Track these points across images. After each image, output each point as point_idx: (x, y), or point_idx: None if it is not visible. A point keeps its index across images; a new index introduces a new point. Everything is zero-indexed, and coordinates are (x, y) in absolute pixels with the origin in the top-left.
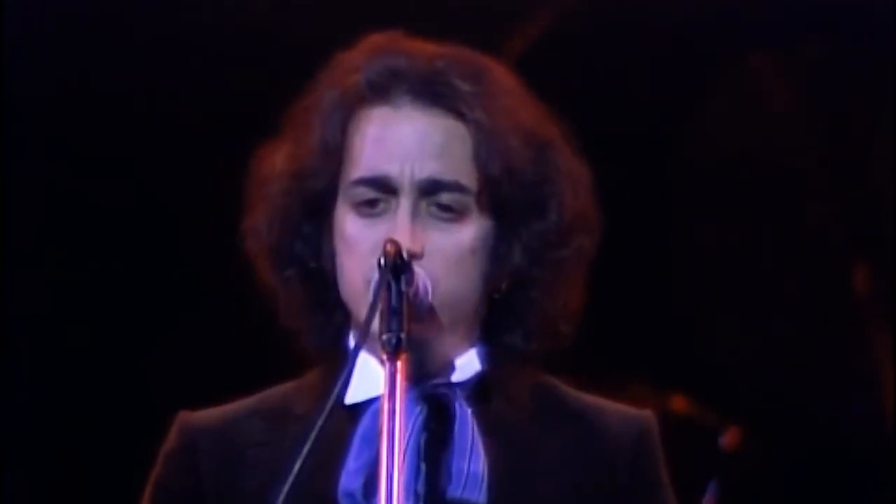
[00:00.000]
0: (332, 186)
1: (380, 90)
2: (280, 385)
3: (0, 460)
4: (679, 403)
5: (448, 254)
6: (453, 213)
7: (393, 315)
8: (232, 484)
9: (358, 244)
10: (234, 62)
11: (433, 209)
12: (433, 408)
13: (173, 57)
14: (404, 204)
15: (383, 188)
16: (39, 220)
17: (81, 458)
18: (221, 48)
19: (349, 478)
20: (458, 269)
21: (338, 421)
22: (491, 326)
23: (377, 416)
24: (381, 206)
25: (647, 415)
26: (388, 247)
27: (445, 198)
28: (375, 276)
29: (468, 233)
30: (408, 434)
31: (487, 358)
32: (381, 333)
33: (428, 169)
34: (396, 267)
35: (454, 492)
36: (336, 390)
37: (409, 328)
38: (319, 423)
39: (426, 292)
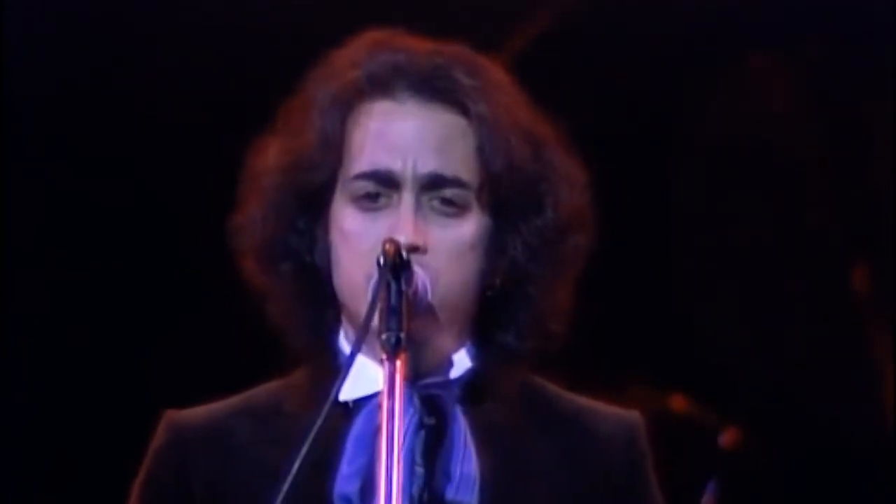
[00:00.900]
0: (330, 180)
1: (381, 84)
2: (267, 384)
3: (0, 460)
4: (679, 403)
5: (449, 249)
6: (455, 208)
7: (392, 314)
8: (220, 482)
9: (358, 239)
10: (235, 62)
11: (435, 204)
12: (426, 409)
13: (173, 57)
14: (406, 198)
15: (385, 182)
16: (39, 220)
17: (81, 457)
18: (221, 48)
19: (344, 482)
20: (458, 265)
21: (330, 419)
22: (483, 324)
23: (371, 417)
24: (383, 200)
25: (635, 415)
26: (388, 246)
27: (447, 193)
28: (375, 274)
29: (468, 228)
30: (402, 436)
31: (478, 356)
32: (380, 332)
33: (430, 164)
34: (396, 266)
35: (448, 494)
36: (335, 392)
37: (408, 327)
38: (316, 427)
39: (425, 291)
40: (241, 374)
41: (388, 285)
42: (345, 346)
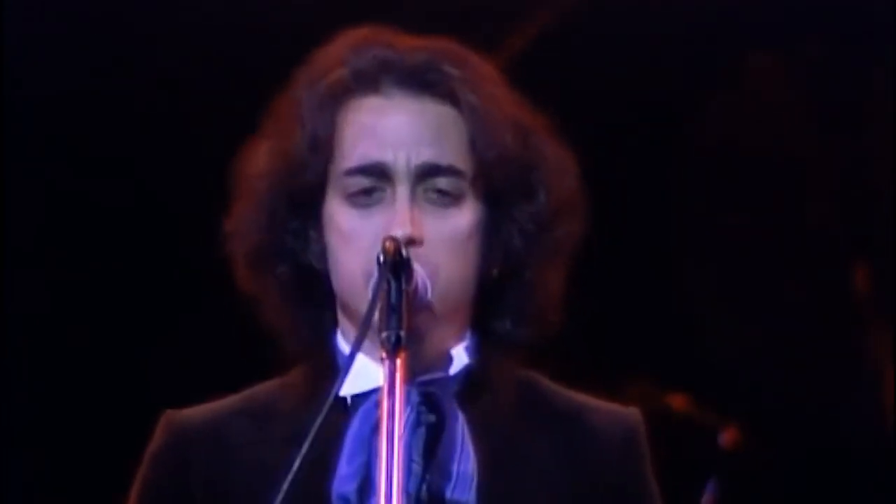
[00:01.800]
0: (321, 180)
1: (368, 80)
2: (264, 383)
3: (0, 460)
4: (679, 402)
5: (446, 239)
6: (450, 198)
7: (392, 313)
8: (219, 482)
9: (356, 237)
10: (234, 62)
11: (430, 195)
12: (424, 406)
13: (173, 57)
14: (401, 191)
15: (378, 176)
16: (39, 220)
17: (81, 457)
18: (222, 48)
19: (342, 481)
20: (456, 255)
21: (328, 415)
22: (480, 315)
23: (369, 415)
24: (377, 195)
25: (633, 412)
26: (388, 244)
27: (442, 182)
28: (375, 273)
29: (465, 218)
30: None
31: (476, 349)
32: (380, 331)
33: (424, 155)
34: (396, 264)
35: (445, 491)
36: (334, 392)
37: (408, 327)
38: (317, 425)
39: (425, 289)
40: (241, 374)
41: (388, 284)
42: (343, 344)
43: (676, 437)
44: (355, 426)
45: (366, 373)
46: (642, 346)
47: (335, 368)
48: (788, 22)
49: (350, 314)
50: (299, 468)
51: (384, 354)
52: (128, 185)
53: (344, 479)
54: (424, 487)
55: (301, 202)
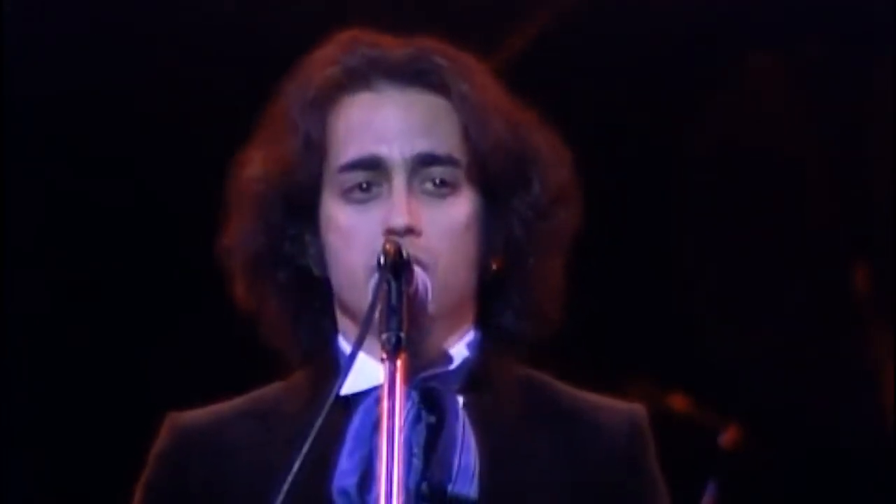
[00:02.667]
0: (316, 181)
1: (359, 77)
2: (268, 386)
3: (0, 460)
4: (679, 403)
5: (445, 230)
6: (447, 188)
7: (392, 314)
8: (223, 484)
9: (354, 233)
10: (234, 62)
11: (427, 186)
12: (425, 401)
13: (173, 57)
14: (398, 182)
15: (374, 169)
16: (39, 220)
17: (81, 458)
18: (222, 48)
19: (343, 476)
20: (455, 245)
21: (330, 414)
22: (482, 310)
23: (369, 412)
24: (374, 189)
25: (638, 408)
26: (388, 246)
27: (438, 171)
28: (375, 275)
29: (462, 207)
30: (401, 430)
31: (478, 345)
32: (380, 332)
33: (418, 145)
34: (396, 266)
35: (446, 485)
36: (333, 393)
37: (408, 328)
38: (317, 425)
39: (426, 291)
40: (242, 374)
41: (388, 285)
42: (344, 346)
43: (676, 437)
44: (356, 422)
45: (367, 371)
46: (642, 346)
47: (337, 370)
48: (788, 22)
49: (350, 314)
50: (301, 466)
51: (384, 356)
52: (128, 185)
53: (344, 473)
54: (425, 482)
55: (297, 206)
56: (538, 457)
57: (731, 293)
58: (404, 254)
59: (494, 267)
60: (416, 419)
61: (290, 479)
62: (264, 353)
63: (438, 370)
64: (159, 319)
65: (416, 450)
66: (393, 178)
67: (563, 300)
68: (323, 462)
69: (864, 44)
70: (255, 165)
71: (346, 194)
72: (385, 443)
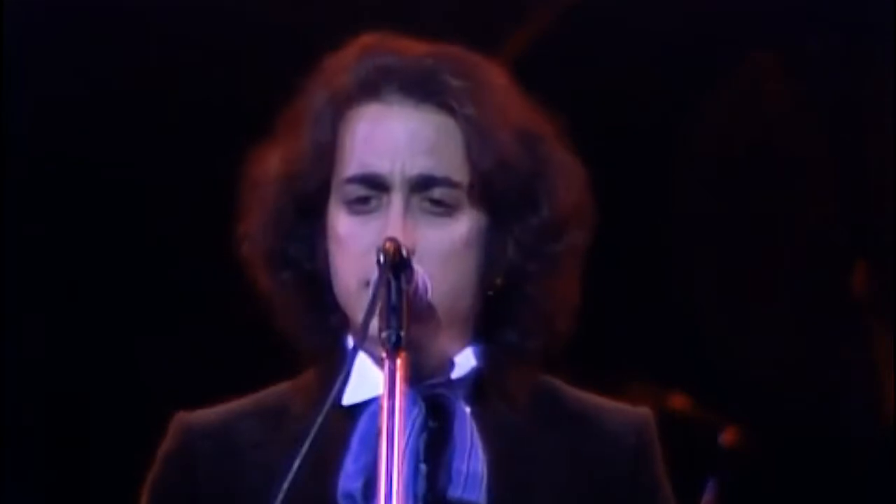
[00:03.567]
0: (324, 186)
1: (370, 88)
2: (276, 386)
3: (0, 460)
4: (678, 402)
5: (442, 249)
6: (445, 208)
7: (392, 312)
8: (229, 485)
9: (350, 243)
10: (235, 62)
11: (425, 204)
12: (431, 408)
13: (173, 57)
14: (396, 201)
15: (375, 185)
16: (39, 221)
17: (81, 458)
18: (222, 48)
19: (348, 479)
20: (452, 264)
21: (335, 422)
22: (486, 324)
23: (375, 417)
24: (373, 203)
25: (645, 412)
26: (388, 244)
27: (437, 193)
28: (375, 274)
29: (461, 227)
30: (406, 435)
31: (484, 356)
32: (380, 331)
33: (419, 165)
34: (396, 265)
35: (454, 492)
36: (334, 392)
37: (408, 327)
38: (317, 425)
39: (426, 290)
40: (242, 374)
41: (389, 284)
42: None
43: (676, 437)
44: (362, 427)
45: (373, 379)
46: (642, 346)
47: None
48: (788, 20)
49: (350, 320)
50: (304, 468)
51: (384, 354)
52: (128, 185)
53: (350, 476)
54: (432, 488)
55: (307, 209)
56: (546, 461)
57: (731, 293)
58: (404, 252)
59: (498, 282)
60: (424, 426)
61: (285, 485)
62: (264, 352)
63: (445, 378)
64: (159, 319)
65: (423, 457)
66: (391, 195)
67: (574, 314)
68: (328, 465)
69: (863, 42)
70: (271, 164)
71: (348, 204)
72: (385, 442)
